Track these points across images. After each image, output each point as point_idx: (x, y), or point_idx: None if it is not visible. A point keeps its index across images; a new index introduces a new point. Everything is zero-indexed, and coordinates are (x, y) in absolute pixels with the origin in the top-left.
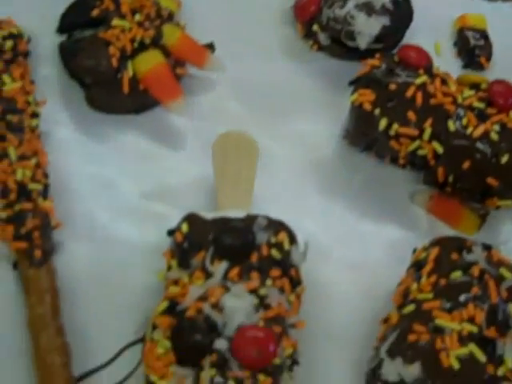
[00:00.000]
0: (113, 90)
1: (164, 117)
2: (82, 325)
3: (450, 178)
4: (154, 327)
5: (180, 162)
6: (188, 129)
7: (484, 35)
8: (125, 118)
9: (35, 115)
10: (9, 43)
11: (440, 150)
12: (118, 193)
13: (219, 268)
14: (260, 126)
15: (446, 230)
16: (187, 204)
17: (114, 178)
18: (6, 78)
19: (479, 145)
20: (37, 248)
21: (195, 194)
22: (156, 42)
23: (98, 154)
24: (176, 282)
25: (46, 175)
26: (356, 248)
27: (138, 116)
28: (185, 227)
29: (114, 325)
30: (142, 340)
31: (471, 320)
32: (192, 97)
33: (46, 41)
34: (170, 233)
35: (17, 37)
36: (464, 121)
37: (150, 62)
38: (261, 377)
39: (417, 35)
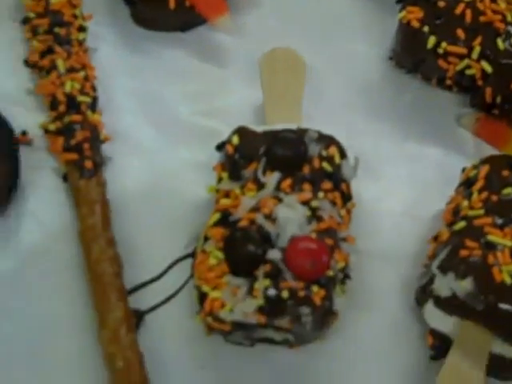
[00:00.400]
0: (159, 6)
1: (209, 35)
2: (132, 238)
3: (498, 99)
4: (206, 239)
5: (226, 80)
6: (234, 47)
7: None
8: (170, 36)
9: (82, 29)
10: None
11: (488, 69)
12: (165, 109)
13: (271, 179)
14: (306, 46)
15: (493, 152)
16: (234, 121)
17: (161, 95)
18: None
19: None
20: (87, 159)
21: (242, 111)
22: None
23: (144, 70)
24: (227, 194)
25: (94, 88)
26: (403, 168)
27: (184, 34)
28: (235, 139)
29: (163, 239)
30: (191, 255)
31: None
32: (237, 15)
33: None
34: (220, 147)
35: None
36: None
37: None
38: (314, 288)
39: None
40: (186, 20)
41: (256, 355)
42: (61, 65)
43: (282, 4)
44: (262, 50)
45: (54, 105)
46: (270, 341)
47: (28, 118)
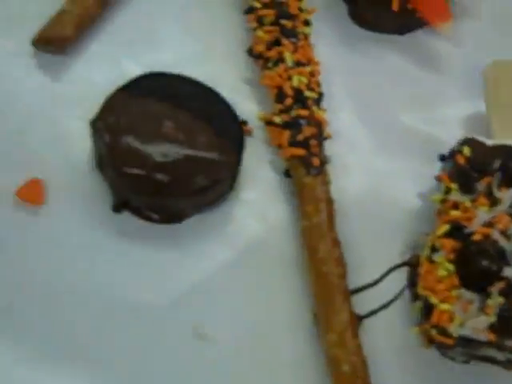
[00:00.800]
0: (381, 6)
1: (427, 40)
2: (345, 240)
3: None
4: (434, 249)
5: (443, 88)
6: (452, 54)
7: None
8: (387, 38)
9: (307, 23)
10: None
11: None
12: (382, 112)
13: (507, 195)
14: None
15: None
16: (453, 131)
17: (377, 97)
18: None
19: None
20: (314, 156)
21: (460, 121)
22: None
23: (360, 70)
24: (456, 206)
25: (318, 84)
26: None
27: (401, 36)
28: (467, 151)
29: (376, 243)
30: (409, 263)
31: None
32: (458, 23)
33: None
34: (443, 157)
35: None
36: None
37: None
38: None
39: None
40: (405, 23)
41: (471, 373)
42: (288, 57)
43: (502, 16)
44: (479, 60)
45: (280, 97)
46: (489, 360)
47: (246, 108)
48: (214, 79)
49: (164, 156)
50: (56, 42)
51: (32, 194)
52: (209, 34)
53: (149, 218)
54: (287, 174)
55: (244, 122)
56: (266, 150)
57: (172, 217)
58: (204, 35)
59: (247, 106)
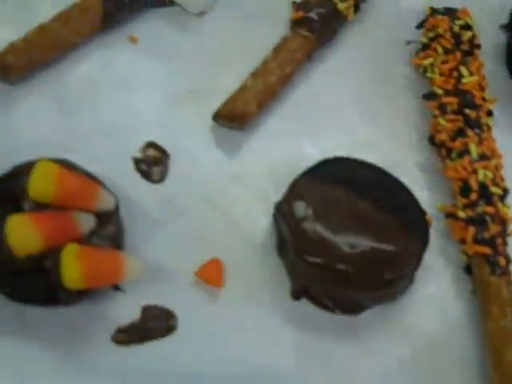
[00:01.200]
0: None
1: None
2: None
3: None
4: None
5: None
6: None
7: None
8: None
9: (490, 113)
10: (467, 34)
11: None
12: None
13: None
14: None
15: None
16: None
17: None
18: (463, 70)
19: None
20: (500, 255)
21: None
22: None
23: None
24: None
25: (503, 179)
26: None
27: None
28: None
29: None
30: None
31: None
32: None
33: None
34: None
35: (472, 28)
36: None
37: None
38: None
39: None
40: None
41: None
42: (474, 150)
43: None
44: None
45: (464, 191)
46: None
47: (422, 197)
48: (390, 165)
49: (350, 247)
50: (238, 118)
51: (211, 274)
52: (385, 118)
53: (327, 308)
54: (468, 270)
55: (424, 213)
56: (444, 242)
57: (351, 308)
58: (381, 118)
59: (424, 194)
